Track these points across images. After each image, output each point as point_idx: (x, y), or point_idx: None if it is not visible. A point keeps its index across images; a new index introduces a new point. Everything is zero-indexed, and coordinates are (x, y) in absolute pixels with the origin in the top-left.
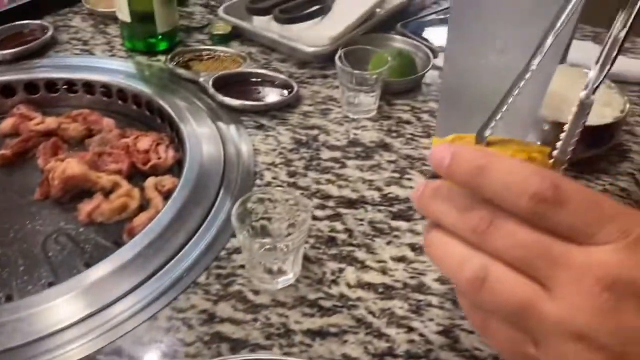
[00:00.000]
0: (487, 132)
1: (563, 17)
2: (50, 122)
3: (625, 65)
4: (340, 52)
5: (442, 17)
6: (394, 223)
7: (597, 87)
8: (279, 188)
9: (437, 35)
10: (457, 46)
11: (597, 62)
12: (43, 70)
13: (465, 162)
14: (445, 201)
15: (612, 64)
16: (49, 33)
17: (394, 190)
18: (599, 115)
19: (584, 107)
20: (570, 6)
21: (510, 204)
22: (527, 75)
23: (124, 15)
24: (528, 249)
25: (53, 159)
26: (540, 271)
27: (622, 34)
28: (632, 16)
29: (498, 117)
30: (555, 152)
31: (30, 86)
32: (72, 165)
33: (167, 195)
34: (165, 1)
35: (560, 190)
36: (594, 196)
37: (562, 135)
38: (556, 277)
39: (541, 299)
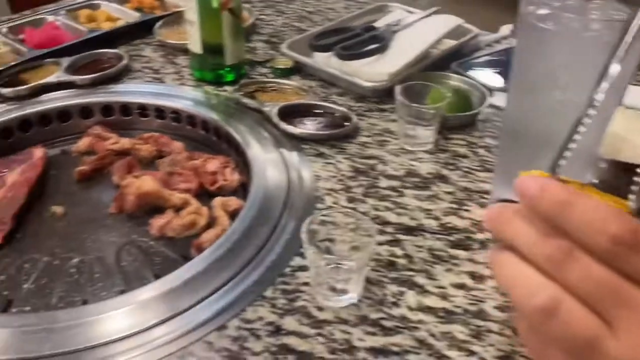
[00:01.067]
0: (557, 169)
1: (624, 52)
2: (125, 142)
3: None
4: (399, 87)
5: (495, 58)
6: (453, 251)
7: None
8: (342, 211)
9: (490, 75)
10: (520, 83)
11: None
12: (118, 95)
13: (551, 195)
14: (524, 224)
15: None
16: (124, 61)
17: (452, 220)
18: None
19: None
20: (629, 42)
21: (590, 240)
22: (592, 112)
23: (196, 48)
24: (600, 286)
25: (129, 176)
26: (608, 309)
27: None
28: None
29: (566, 154)
30: (631, 204)
31: (107, 109)
32: (147, 182)
33: (232, 215)
34: (235, 36)
35: (638, 235)
36: None
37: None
38: (622, 317)
39: (605, 336)
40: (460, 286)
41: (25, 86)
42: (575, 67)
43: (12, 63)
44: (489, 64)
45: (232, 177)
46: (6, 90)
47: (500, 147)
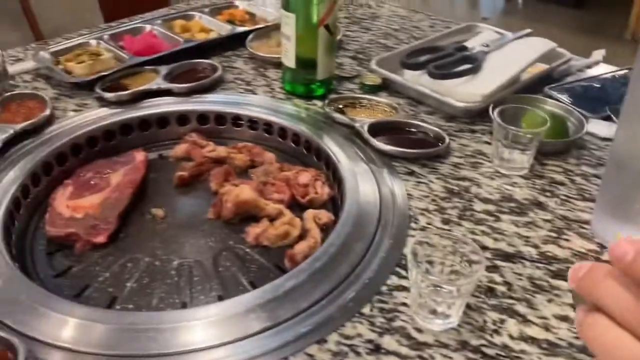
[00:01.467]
0: None
1: None
2: (221, 150)
3: None
4: (496, 109)
5: (588, 84)
6: (554, 282)
7: None
8: (442, 233)
9: (585, 101)
10: (635, 113)
11: None
12: (213, 104)
13: None
14: (619, 287)
15: None
16: (219, 72)
17: (552, 249)
18: None
19: None
20: None
21: None
22: None
23: (290, 61)
24: None
25: (227, 184)
26: None
27: None
28: None
29: None
30: None
31: (202, 117)
32: (245, 191)
33: (322, 228)
34: (328, 52)
35: None
36: None
37: None
38: None
39: None
40: (564, 318)
41: (126, 92)
42: None
43: (115, 69)
44: (582, 90)
45: (323, 190)
46: (109, 95)
47: (605, 177)
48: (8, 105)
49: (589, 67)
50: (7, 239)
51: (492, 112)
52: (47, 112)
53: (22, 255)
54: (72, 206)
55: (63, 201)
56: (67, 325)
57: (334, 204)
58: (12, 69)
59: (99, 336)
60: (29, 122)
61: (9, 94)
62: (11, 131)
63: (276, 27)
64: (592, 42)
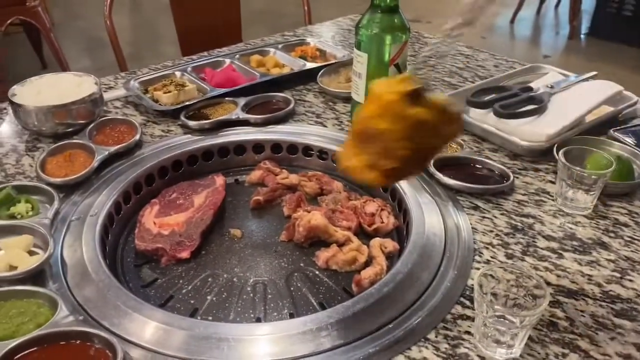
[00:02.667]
0: None
1: None
2: (293, 178)
3: None
4: (561, 149)
5: None
6: (617, 320)
7: None
8: (508, 267)
9: None
10: None
11: None
12: (286, 135)
13: None
14: None
15: None
16: (292, 105)
17: (615, 288)
18: None
19: None
20: None
21: None
22: None
23: (359, 97)
24: None
25: (300, 209)
26: None
27: None
28: None
29: None
30: None
31: (276, 146)
32: (316, 217)
33: (387, 256)
34: None
35: None
36: None
37: None
38: None
39: None
40: (627, 357)
41: (208, 120)
42: None
43: (198, 99)
44: None
45: (389, 220)
46: (193, 123)
47: None
48: (102, 129)
49: None
50: (103, 251)
51: (557, 152)
52: (137, 136)
53: (114, 265)
54: (159, 223)
55: (151, 218)
56: (155, 329)
57: (399, 234)
58: (105, 95)
59: (181, 342)
60: (122, 145)
61: (102, 118)
62: (106, 152)
63: (345, 64)
64: None
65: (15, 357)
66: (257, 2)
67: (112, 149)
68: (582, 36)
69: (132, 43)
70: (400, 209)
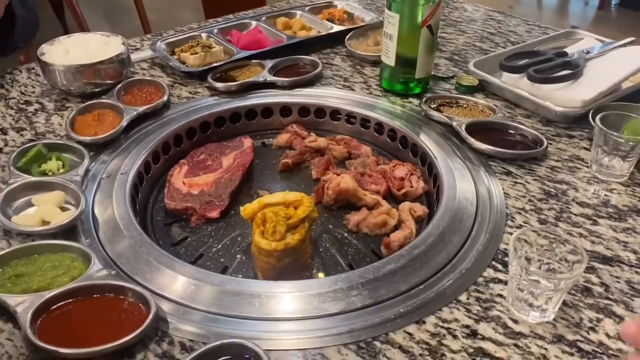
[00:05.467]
0: None
1: None
2: (321, 141)
3: None
4: (597, 115)
5: None
6: None
7: None
8: (542, 231)
9: None
10: None
11: None
12: (314, 98)
13: None
14: None
15: None
16: (319, 68)
17: None
18: None
19: None
20: None
21: None
22: None
23: (390, 60)
24: None
25: (329, 172)
26: None
27: None
28: None
29: None
30: None
31: (303, 110)
32: (346, 180)
33: (417, 220)
34: (428, 51)
35: None
36: None
37: None
38: None
39: None
40: None
41: (235, 82)
42: None
43: (225, 61)
44: None
45: (418, 184)
46: (220, 85)
47: None
48: (130, 90)
49: None
50: (133, 209)
51: (593, 118)
52: (165, 97)
53: (144, 223)
54: (188, 183)
55: (180, 178)
56: (187, 285)
57: (428, 199)
58: (132, 56)
59: (213, 297)
60: (150, 105)
61: (130, 79)
62: (135, 112)
63: (373, 27)
64: None
65: (51, 308)
66: None
67: (141, 109)
68: (612, 6)
69: (153, 10)
70: (431, 173)
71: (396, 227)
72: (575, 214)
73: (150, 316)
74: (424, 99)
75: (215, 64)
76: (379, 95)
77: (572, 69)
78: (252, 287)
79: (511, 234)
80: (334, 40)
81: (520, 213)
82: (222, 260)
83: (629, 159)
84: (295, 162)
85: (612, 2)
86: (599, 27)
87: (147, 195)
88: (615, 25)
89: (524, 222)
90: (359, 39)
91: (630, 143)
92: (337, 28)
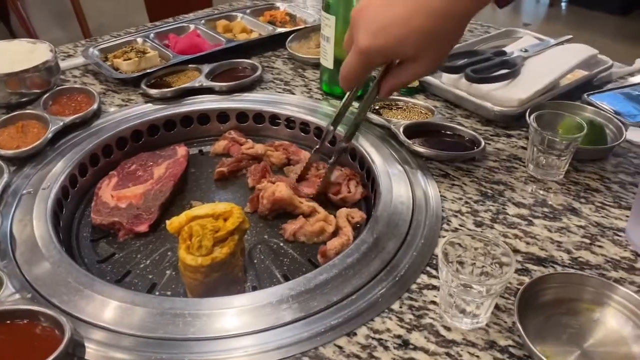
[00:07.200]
0: None
1: None
2: (259, 148)
3: None
4: (533, 114)
5: (629, 92)
6: None
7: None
8: (473, 234)
9: (625, 109)
10: None
11: None
12: (253, 103)
13: None
14: None
15: None
16: (258, 72)
17: (584, 255)
18: None
19: None
20: None
21: None
22: None
23: (328, 62)
24: None
25: (264, 180)
26: None
27: None
28: None
29: None
30: None
31: (242, 115)
32: (281, 189)
33: (355, 226)
34: None
35: None
36: None
37: None
38: None
39: None
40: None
41: (170, 89)
42: None
43: (160, 67)
44: (623, 97)
45: (356, 189)
46: (154, 91)
47: None
48: (58, 99)
49: (631, 74)
50: (55, 226)
51: (529, 117)
52: (95, 106)
53: (69, 241)
54: (116, 196)
55: (108, 191)
56: (109, 307)
57: (367, 204)
58: (62, 64)
59: (139, 319)
60: (78, 115)
61: (59, 88)
62: (61, 123)
63: (315, 29)
64: (637, 50)
65: None
66: None
67: (68, 119)
68: (562, 4)
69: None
70: (369, 178)
71: (335, 234)
72: (511, 215)
73: (64, 341)
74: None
75: (149, 70)
76: (319, 99)
77: (510, 68)
78: (176, 305)
79: (446, 237)
80: (276, 43)
81: (456, 216)
82: (150, 277)
83: (563, 158)
84: (232, 171)
85: (560, 0)
86: (549, 24)
87: (73, 210)
88: (565, 22)
89: (460, 225)
90: (301, 42)
91: (564, 142)
92: (278, 30)
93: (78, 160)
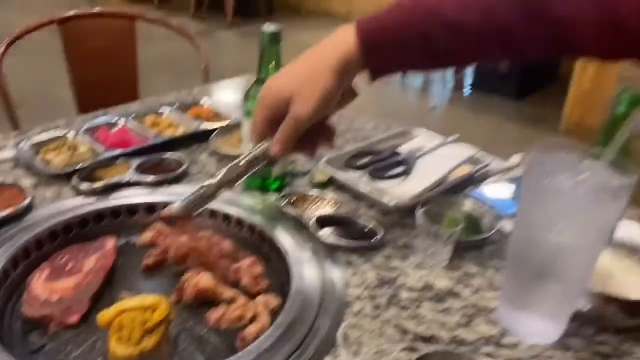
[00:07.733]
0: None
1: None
2: (183, 239)
3: None
4: (421, 209)
5: (506, 184)
6: None
7: None
8: (370, 317)
9: (501, 199)
10: (522, 228)
11: None
12: (178, 195)
13: None
14: None
15: None
16: (184, 166)
17: (462, 333)
18: None
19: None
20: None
21: None
22: None
23: None
24: None
25: (189, 271)
26: None
27: None
28: None
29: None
30: None
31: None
32: (205, 279)
33: (272, 311)
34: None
35: None
36: None
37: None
38: None
39: None
40: None
41: (100, 183)
42: (569, 216)
43: (90, 161)
44: (501, 189)
45: (258, 281)
46: (83, 186)
47: (506, 271)
48: None
49: (509, 169)
50: None
51: (417, 212)
52: (26, 202)
53: (0, 332)
54: (48, 289)
55: (40, 284)
56: None
57: (284, 289)
58: None
59: None
60: (9, 210)
61: None
62: None
63: (237, 125)
64: (531, 133)
65: None
66: (158, 46)
67: None
68: (466, 89)
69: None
70: (287, 266)
71: (253, 320)
72: (404, 299)
73: None
74: (281, 195)
75: (80, 165)
76: (240, 192)
77: (404, 166)
78: None
79: (350, 320)
80: (202, 137)
81: (358, 300)
82: None
83: (447, 248)
84: (157, 262)
85: (465, 84)
86: (454, 107)
87: (5, 302)
88: (468, 105)
89: (360, 309)
90: (225, 136)
91: (445, 234)
92: (202, 126)
93: (10, 255)
